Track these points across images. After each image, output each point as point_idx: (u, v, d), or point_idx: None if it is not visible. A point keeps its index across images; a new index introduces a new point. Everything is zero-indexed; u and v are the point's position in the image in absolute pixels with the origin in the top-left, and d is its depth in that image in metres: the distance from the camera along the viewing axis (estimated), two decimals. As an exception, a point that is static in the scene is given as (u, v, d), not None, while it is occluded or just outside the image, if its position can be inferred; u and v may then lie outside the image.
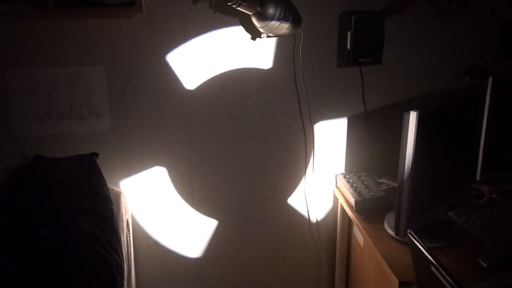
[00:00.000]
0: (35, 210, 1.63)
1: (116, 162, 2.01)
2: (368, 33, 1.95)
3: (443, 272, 1.23)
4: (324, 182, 2.17)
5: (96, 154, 1.95)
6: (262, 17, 1.77)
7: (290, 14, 1.79)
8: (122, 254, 1.65)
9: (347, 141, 2.14)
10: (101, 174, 1.90)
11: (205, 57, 1.96)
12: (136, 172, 2.04)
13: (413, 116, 1.51)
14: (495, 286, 1.58)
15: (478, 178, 1.91)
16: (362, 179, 2.06)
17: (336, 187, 2.15)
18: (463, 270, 1.57)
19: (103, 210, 1.72)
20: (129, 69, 1.93)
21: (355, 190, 1.97)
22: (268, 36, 1.92)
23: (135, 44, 1.90)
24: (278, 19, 1.76)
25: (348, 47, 1.96)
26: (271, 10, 1.75)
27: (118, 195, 1.96)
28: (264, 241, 2.20)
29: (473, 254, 1.63)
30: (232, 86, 2.00)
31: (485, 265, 1.58)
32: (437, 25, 2.05)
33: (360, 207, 1.92)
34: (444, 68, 2.10)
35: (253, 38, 1.95)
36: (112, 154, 2.00)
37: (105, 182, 1.89)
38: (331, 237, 2.23)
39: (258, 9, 1.75)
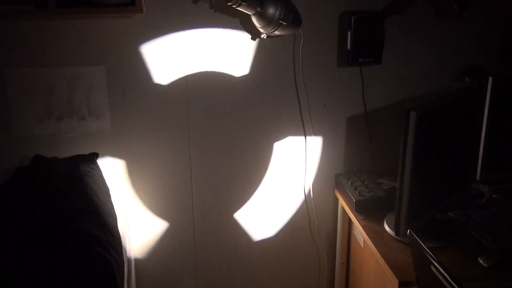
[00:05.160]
0: (35, 210, 1.63)
1: (116, 162, 2.01)
2: (368, 33, 1.95)
3: (443, 272, 1.23)
4: (324, 182, 2.17)
5: (96, 154, 1.95)
6: (262, 17, 1.77)
7: (290, 14, 1.79)
8: (122, 254, 1.65)
9: (347, 141, 2.14)
10: (101, 174, 1.90)
11: (205, 57, 1.96)
12: (136, 172, 2.04)
13: (413, 116, 1.50)
14: (495, 286, 1.58)
15: (478, 178, 1.91)
16: (362, 179, 2.06)
17: (336, 187, 2.15)
18: (463, 270, 1.57)
19: (103, 210, 1.72)
20: (129, 69, 1.93)
21: (355, 190, 1.97)
22: (268, 36, 1.92)
23: (135, 44, 1.90)
24: (278, 19, 1.76)
25: (348, 47, 1.96)
26: (271, 10, 1.75)
27: (118, 195, 1.96)
28: (264, 241, 2.20)
29: (473, 254, 1.63)
30: (232, 86, 2.00)
31: (485, 265, 1.58)
32: (437, 25, 2.05)
33: (360, 207, 1.92)
34: (444, 68, 2.10)
35: (253, 38, 1.95)
36: (112, 154, 2.00)
37: (105, 182, 1.89)
38: (331, 237, 2.23)
39: (258, 9, 1.75)
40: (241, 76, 2.00)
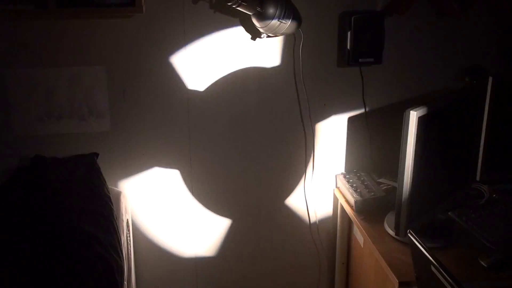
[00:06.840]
0: (35, 210, 1.63)
1: (116, 162, 2.01)
2: (368, 33, 1.95)
3: (443, 272, 1.23)
4: (324, 182, 2.17)
5: (96, 154, 1.95)
6: (262, 17, 1.77)
7: (290, 14, 1.79)
8: (122, 254, 1.65)
9: (347, 141, 2.14)
10: (101, 174, 1.90)
11: (205, 57, 1.96)
12: (136, 172, 2.04)
13: (413, 116, 1.51)
14: (495, 286, 1.58)
15: (478, 178, 1.91)
16: (362, 179, 2.06)
17: (336, 187, 2.15)
18: (463, 270, 1.57)
19: (103, 210, 1.72)
20: (129, 69, 1.93)
21: (355, 190, 1.97)
22: (268, 36, 1.92)
23: (135, 44, 1.90)
24: (278, 19, 1.76)
25: (348, 47, 1.96)
26: (271, 10, 1.75)
27: (118, 195, 1.96)
28: (264, 241, 2.20)
29: (473, 254, 1.63)
30: (232, 86, 2.00)
31: (485, 265, 1.58)
32: (437, 25, 2.05)
33: (360, 207, 1.92)
34: (444, 68, 2.10)
35: (253, 38, 1.95)
36: (112, 154, 2.00)
37: (105, 182, 1.89)
38: (331, 237, 2.23)
39: (258, 9, 1.75)
40: (241, 76, 2.00)
